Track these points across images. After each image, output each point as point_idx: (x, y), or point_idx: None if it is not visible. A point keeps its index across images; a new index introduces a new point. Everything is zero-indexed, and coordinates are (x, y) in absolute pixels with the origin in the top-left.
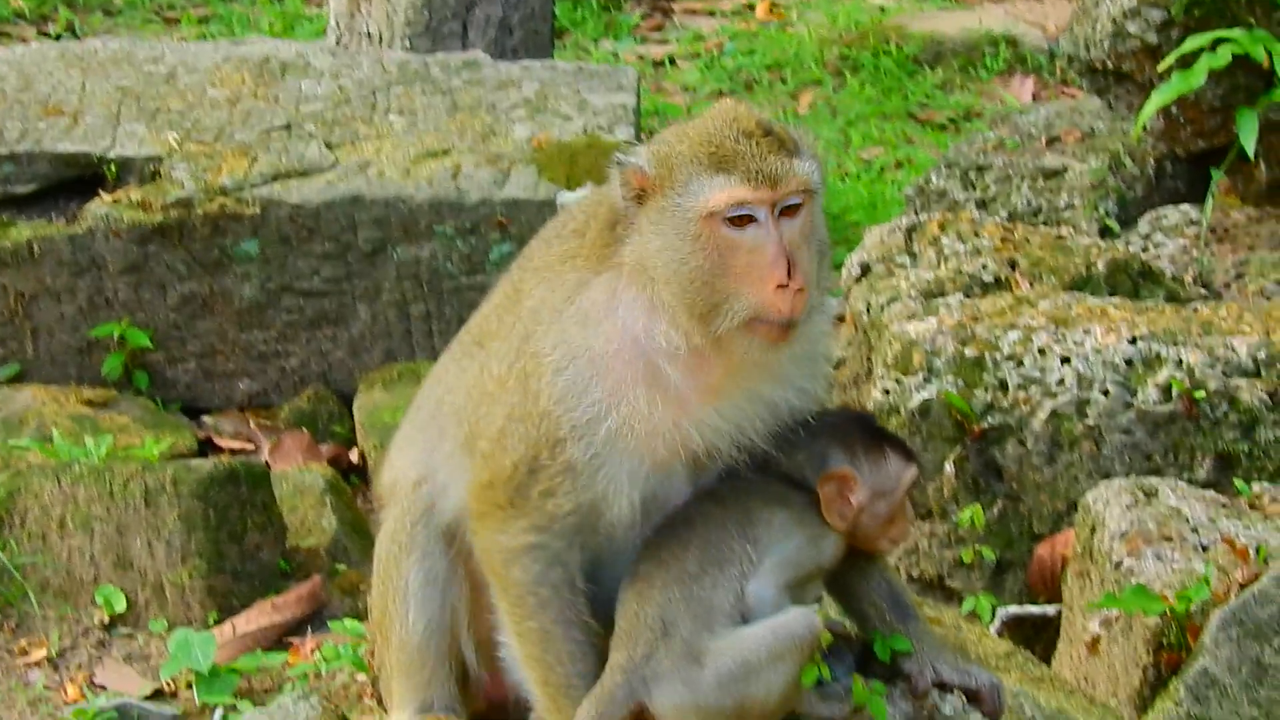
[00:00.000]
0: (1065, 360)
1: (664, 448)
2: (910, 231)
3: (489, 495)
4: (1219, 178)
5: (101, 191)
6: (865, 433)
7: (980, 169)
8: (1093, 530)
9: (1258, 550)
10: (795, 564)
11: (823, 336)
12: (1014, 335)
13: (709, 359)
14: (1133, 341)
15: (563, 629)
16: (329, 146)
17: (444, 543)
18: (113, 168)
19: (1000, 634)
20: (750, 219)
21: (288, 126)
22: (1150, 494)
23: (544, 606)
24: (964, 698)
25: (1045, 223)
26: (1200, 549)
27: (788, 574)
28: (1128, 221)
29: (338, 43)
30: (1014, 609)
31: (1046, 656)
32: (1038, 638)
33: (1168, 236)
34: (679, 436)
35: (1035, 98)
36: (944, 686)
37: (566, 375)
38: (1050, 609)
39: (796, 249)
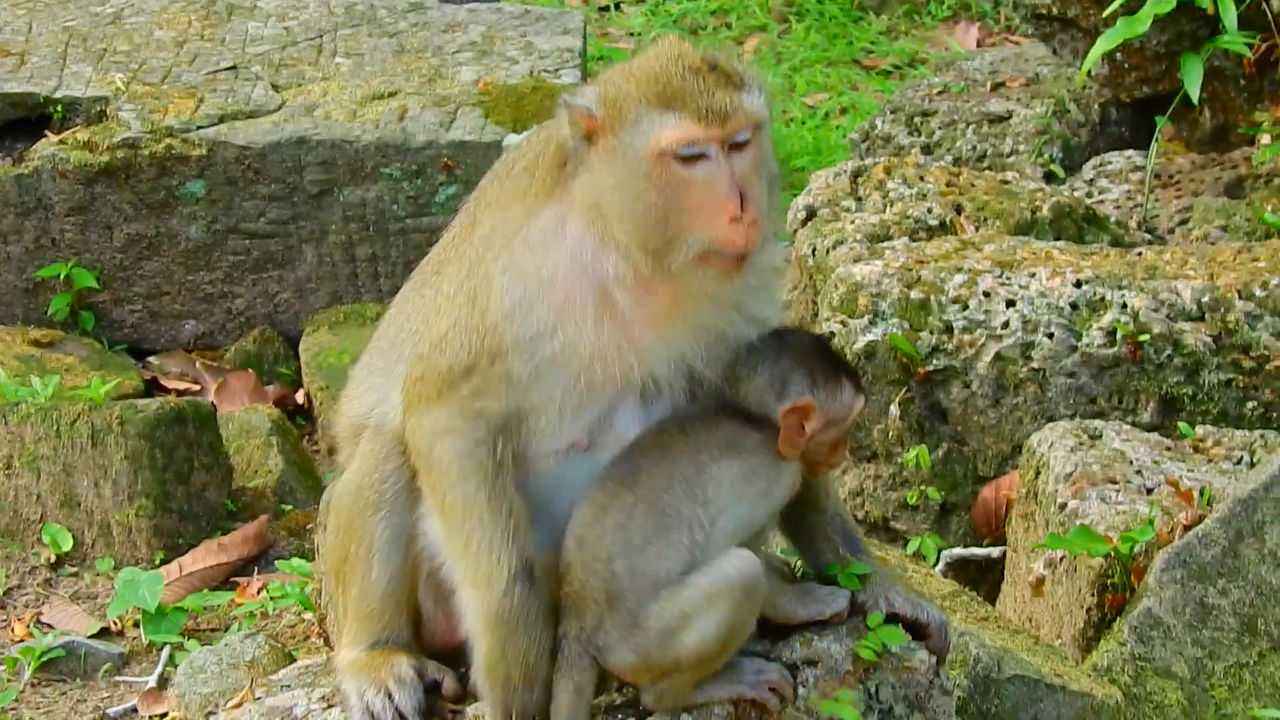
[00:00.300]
0: (1010, 303)
1: (605, 371)
2: (856, 176)
3: (418, 389)
4: (1163, 124)
5: (48, 132)
6: (824, 359)
7: (925, 114)
8: (1037, 472)
9: (1202, 493)
10: (749, 524)
11: (775, 267)
12: (959, 278)
13: (658, 288)
14: (1078, 285)
15: (485, 497)
16: (275, 88)
17: (411, 500)
18: (59, 109)
19: (945, 575)
20: (702, 156)
21: (234, 68)
22: (1095, 436)
23: (467, 478)
24: (910, 635)
25: (990, 168)
26: (1144, 491)
27: (742, 534)
28: (1072, 167)
29: None
30: (958, 551)
31: (990, 598)
32: (982, 579)
33: (1112, 182)
34: (623, 361)
35: (979, 44)
36: (895, 618)
37: (514, 294)
38: (994, 551)
39: (748, 182)
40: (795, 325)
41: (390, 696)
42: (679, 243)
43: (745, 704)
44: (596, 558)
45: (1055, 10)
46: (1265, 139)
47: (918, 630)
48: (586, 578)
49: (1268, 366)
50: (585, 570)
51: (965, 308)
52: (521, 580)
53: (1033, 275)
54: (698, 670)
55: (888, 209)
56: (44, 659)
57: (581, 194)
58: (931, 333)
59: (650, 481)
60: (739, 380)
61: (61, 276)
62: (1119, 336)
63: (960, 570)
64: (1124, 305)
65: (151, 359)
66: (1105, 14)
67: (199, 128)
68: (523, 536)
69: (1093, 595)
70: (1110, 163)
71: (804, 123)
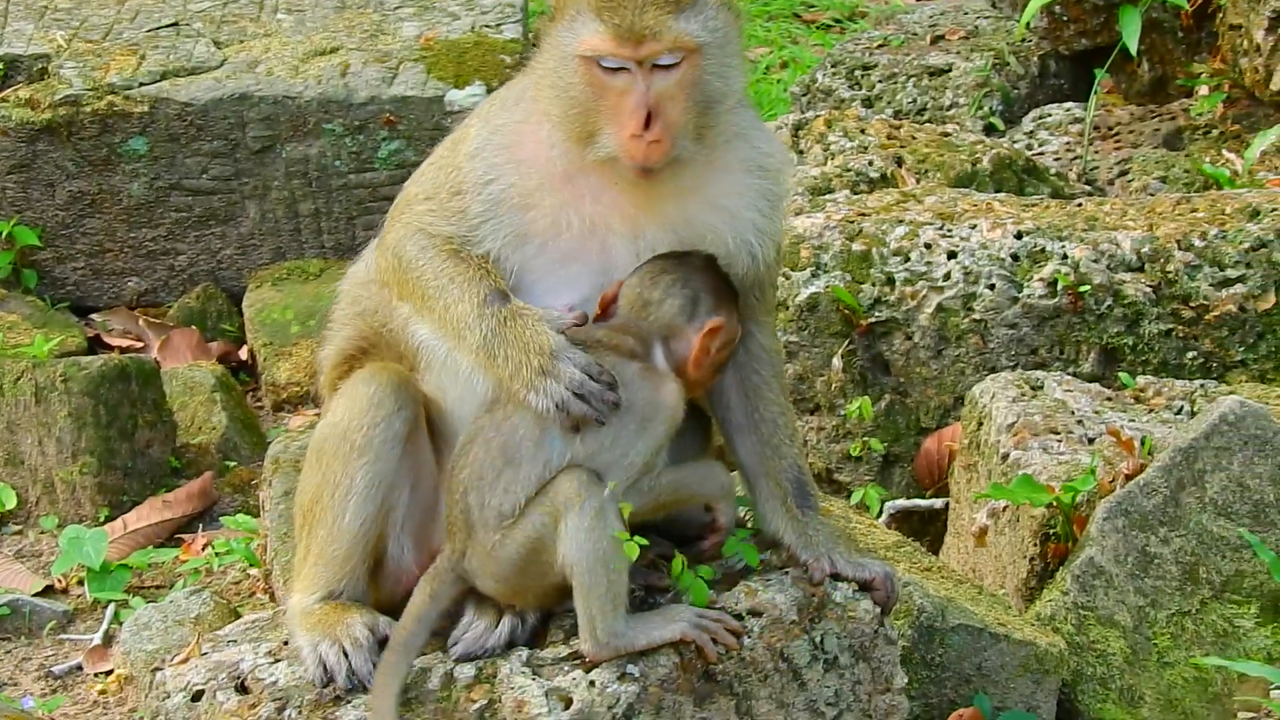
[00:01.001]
0: (952, 255)
1: (565, 236)
2: (797, 128)
3: (394, 213)
4: (1102, 76)
5: None
6: (721, 279)
7: (866, 67)
8: (980, 423)
9: (1143, 442)
10: (634, 457)
11: (762, 166)
12: (901, 230)
13: (594, 167)
14: (1018, 237)
15: (452, 261)
16: (217, 45)
17: (398, 448)
18: (0, 66)
19: (889, 526)
20: (623, 68)
21: (176, 25)
22: (1036, 387)
23: (432, 256)
24: (856, 586)
25: (930, 121)
26: (1086, 441)
27: (627, 469)
28: (1012, 119)
29: None
30: (901, 502)
31: (934, 548)
32: (924, 530)
33: (1052, 134)
34: (580, 230)
35: None
36: (838, 577)
37: (482, 148)
38: (937, 502)
39: (666, 101)
40: (691, 250)
41: (346, 654)
42: (594, 140)
43: (690, 654)
44: (456, 488)
45: None
46: (1203, 90)
47: (864, 585)
48: (453, 507)
49: (1207, 316)
50: (451, 499)
51: (907, 260)
52: (492, 301)
53: (974, 227)
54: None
55: (829, 162)
56: None
57: (535, 73)
58: (873, 285)
59: (512, 418)
60: (648, 305)
61: (3, 234)
62: (1060, 287)
63: (903, 521)
64: (1064, 256)
65: (94, 316)
66: None
67: (141, 85)
68: (492, 276)
69: (1035, 545)
70: (1050, 115)
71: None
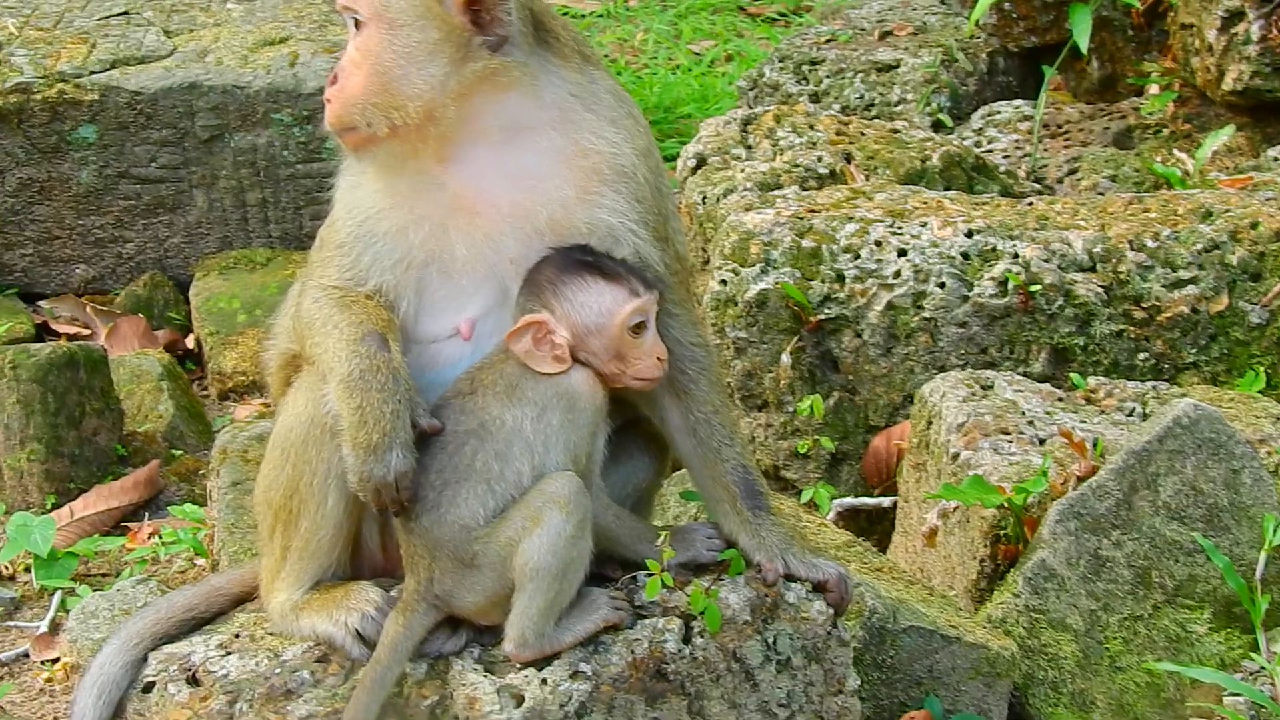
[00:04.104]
0: (902, 253)
1: (422, 246)
2: (745, 124)
3: (303, 273)
4: (1052, 74)
5: None
6: (568, 269)
7: (813, 62)
8: (929, 422)
9: (1095, 444)
10: (564, 456)
11: (597, 151)
12: (851, 227)
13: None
14: (969, 235)
15: (334, 306)
16: (167, 34)
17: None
18: None
19: (835, 524)
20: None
21: (126, 14)
22: (987, 387)
23: (320, 304)
24: (809, 587)
25: (878, 117)
26: (1037, 442)
27: (563, 464)
28: (960, 116)
29: None
30: (849, 500)
31: (881, 547)
32: (872, 529)
33: (1001, 131)
34: (431, 237)
35: None
36: (791, 578)
37: (346, 173)
38: (885, 501)
39: (350, 65)
40: (567, 244)
41: (371, 618)
42: None
43: (644, 655)
44: (409, 519)
45: None
46: (1154, 89)
47: (818, 586)
48: (408, 537)
49: (1159, 318)
50: (404, 530)
51: (857, 257)
52: (368, 341)
53: (924, 225)
54: (548, 598)
55: (778, 157)
56: None
57: None
58: (823, 281)
59: (444, 444)
60: (517, 302)
61: None
62: (1010, 286)
63: (850, 520)
64: (1015, 255)
65: (42, 303)
66: None
67: (91, 73)
68: (371, 321)
69: (985, 546)
70: (999, 112)
71: (690, 70)
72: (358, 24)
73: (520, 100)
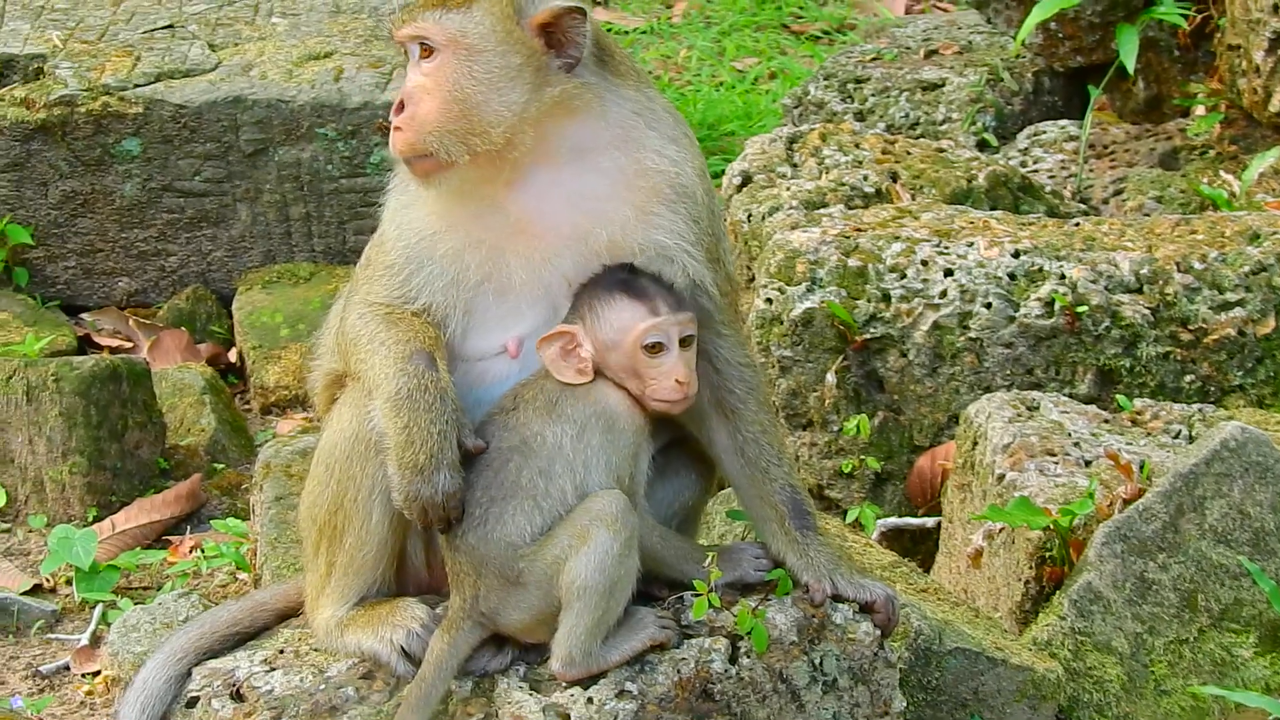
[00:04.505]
0: (948, 273)
1: (478, 269)
2: (791, 142)
3: (348, 290)
4: (1097, 94)
5: None
6: (603, 285)
7: (858, 81)
8: (974, 443)
9: (1141, 466)
10: (605, 474)
11: (654, 168)
12: (897, 246)
13: (472, 193)
14: (1016, 255)
15: (381, 324)
16: (212, 47)
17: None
18: None
19: (880, 544)
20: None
21: (171, 27)
22: (1033, 408)
23: (367, 321)
24: (857, 607)
25: (923, 135)
26: (1083, 464)
27: (604, 483)
28: (1005, 135)
29: None
30: (893, 520)
31: (924, 567)
32: (915, 549)
33: (1046, 151)
34: (487, 259)
35: (907, 10)
36: (839, 598)
37: (396, 194)
38: (929, 521)
39: (420, 93)
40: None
41: (417, 635)
42: None
43: (690, 674)
44: (454, 535)
45: None
46: (1200, 110)
47: (865, 607)
48: (453, 555)
49: (1205, 340)
50: (450, 549)
51: (903, 276)
52: (415, 360)
53: (971, 245)
54: (595, 616)
55: (823, 175)
56: None
57: None
58: (869, 301)
59: (489, 461)
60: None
61: None
62: (1057, 307)
63: (894, 539)
64: (1062, 276)
65: (84, 316)
66: None
67: (135, 86)
68: (419, 339)
69: (1030, 568)
70: (1044, 132)
71: (734, 87)
72: (427, 50)
73: (588, 121)
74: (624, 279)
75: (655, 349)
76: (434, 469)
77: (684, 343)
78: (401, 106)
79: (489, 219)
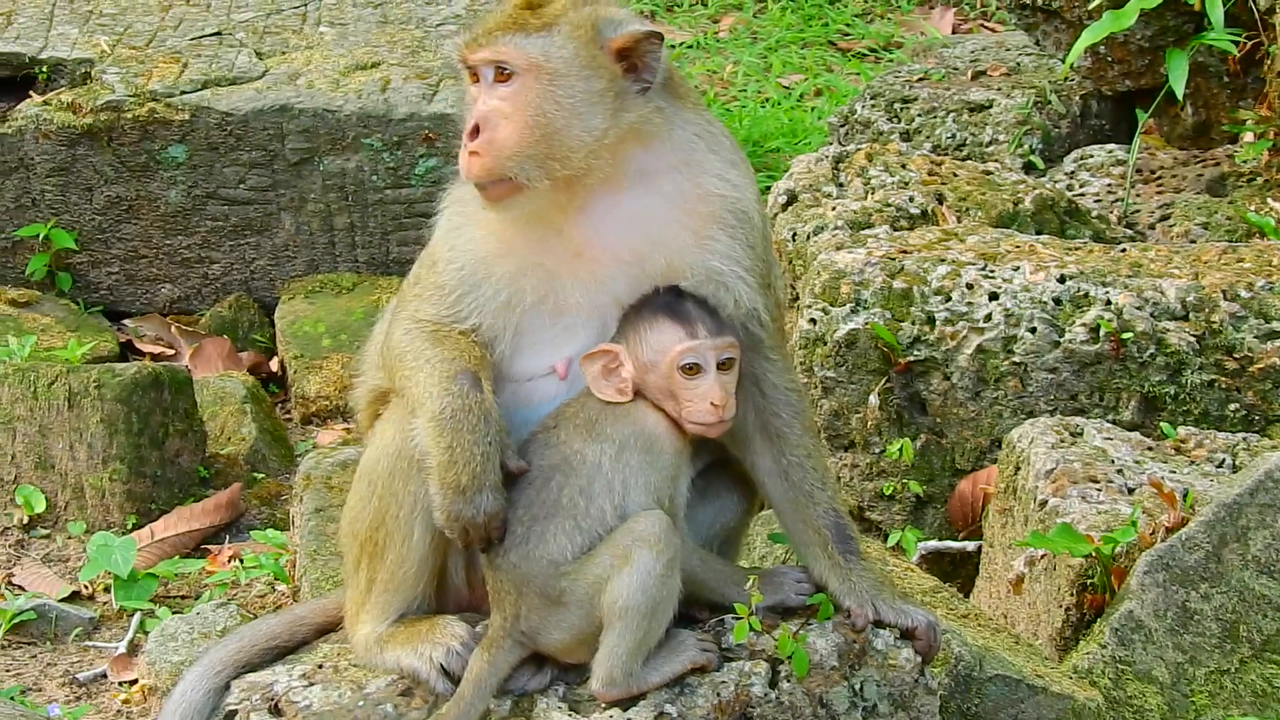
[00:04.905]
0: (994, 296)
1: (533, 291)
2: (837, 161)
3: (391, 312)
4: (1146, 119)
5: (32, 93)
6: (648, 306)
7: (905, 100)
8: (1017, 468)
9: (1185, 495)
10: (644, 495)
11: (714, 193)
12: (943, 269)
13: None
14: (1061, 280)
15: (426, 341)
16: (259, 56)
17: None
18: (44, 70)
19: (919, 567)
20: (477, 78)
21: (219, 34)
22: (1076, 434)
23: (413, 338)
24: (899, 633)
25: (969, 157)
26: (1125, 491)
27: (643, 504)
28: (1051, 158)
29: None
30: (933, 544)
31: (964, 592)
32: (955, 573)
33: (1093, 175)
34: (542, 282)
35: (955, 30)
36: (881, 624)
37: (449, 216)
38: (970, 545)
39: (498, 117)
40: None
41: (458, 655)
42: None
43: (730, 698)
44: (496, 554)
45: (1040, 1)
46: (1249, 137)
47: (906, 633)
48: (495, 574)
49: (1250, 369)
50: (491, 567)
51: (948, 299)
52: (460, 380)
53: (1016, 269)
54: (636, 637)
55: (869, 196)
56: (14, 621)
57: None
58: (913, 323)
59: (531, 479)
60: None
61: (40, 237)
62: (1102, 333)
63: (934, 563)
64: (1108, 302)
65: (127, 322)
66: (1091, 6)
67: (182, 93)
68: (465, 359)
69: (1072, 595)
70: (1091, 156)
71: (779, 104)
72: (503, 74)
73: (654, 145)
74: (669, 301)
75: (691, 371)
76: (476, 490)
77: (722, 366)
78: (476, 130)
79: (548, 243)
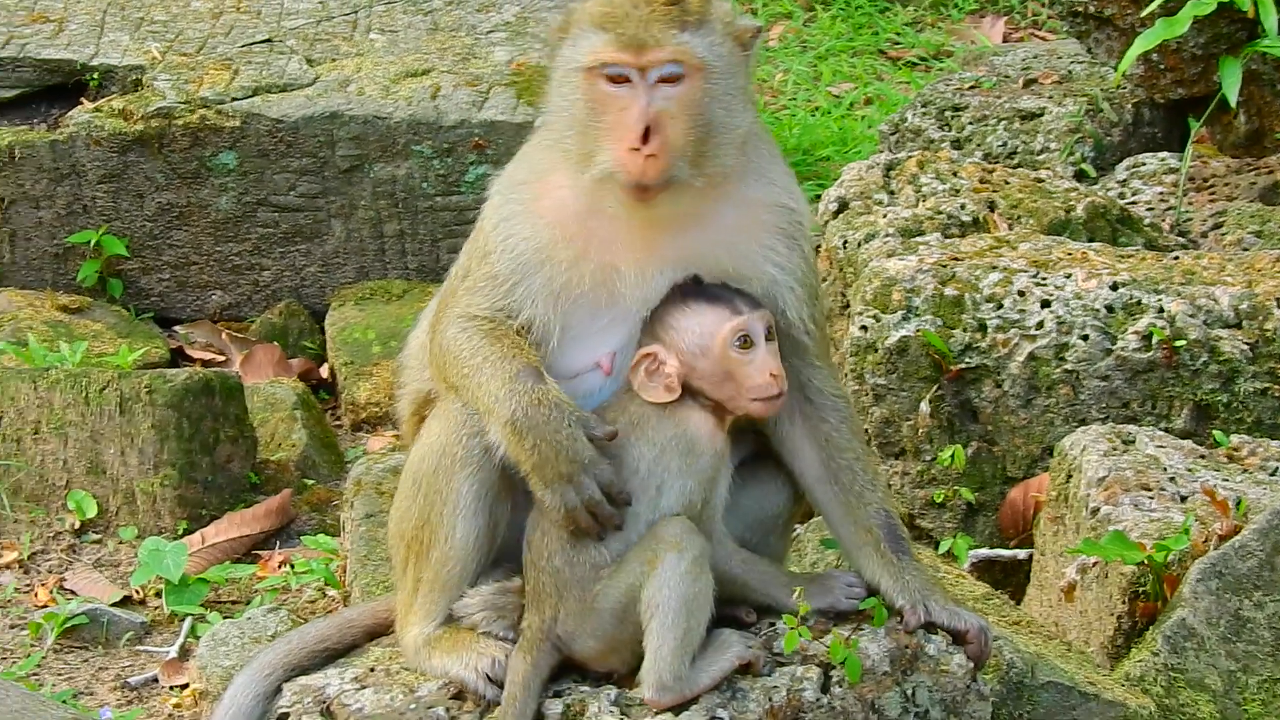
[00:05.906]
0: (1045, 304)
1: (591, 281)
2: (888, 169)
3: (440, 298)
4: (1199, 127)
5: (84, 99)
6: (674, 299)
7: (956, 108)
8: (1069, 476)
9: (1238, 503)
10: (681, 497)
11: (781, 204)
12: (994, 276)
13: (602, 206)
14: (1114, 288)
15: (484, 338)
16: (310, 62)
17: (494, 455)
18: (95, 76)
19: (970, 574)
20: (627, 79)
21: (269, 41)
22: (1128, 441)
23: (469, 336)
24: (950, 638)
25: (1020, 165)
26: (1178, 499)
27: (679, 507)
28: (1103, 167)
29: None
30: (985, 551)
31: (1015, 600)
32: (1006, 581)
33: (1145, 183)
34: (600, 274)
35: (1006, 39)
36: (932, 626)
37: (500, 205)
38: (1021, 553)
39: (667, 118)
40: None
41: (503, 664)
42: (594, 158)
43: (781, 703)
44: (540, 556)
45: (1092, 8)
46: None
47: (958, 637)
48: (537, 575)
49: None
50: (534, 569)
51: (1000, 306)
52: (523, 377)
53: (1068, 276)
54: (676, 635)
55: (920, 204)
56: (67, 625)
57: (547, 107)
58: (965, 330)
59: None
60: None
61: (92, 243)
62: (1154, 341)
63: (985, 570)
64: (1160, 310)
65: (177, 328)
66: (1144, 14)
67: (233, 99)
68: (524, 355)
69: (1124, 603)
70: (1144, 164)
71: (829, 112)
72: (675, 77)
73: (740, 153)
74: (696, 290)
75: (745, 344)
76: (582, 470)
77: (767, 337)
78: (647, 133)
79: (613, 233)
